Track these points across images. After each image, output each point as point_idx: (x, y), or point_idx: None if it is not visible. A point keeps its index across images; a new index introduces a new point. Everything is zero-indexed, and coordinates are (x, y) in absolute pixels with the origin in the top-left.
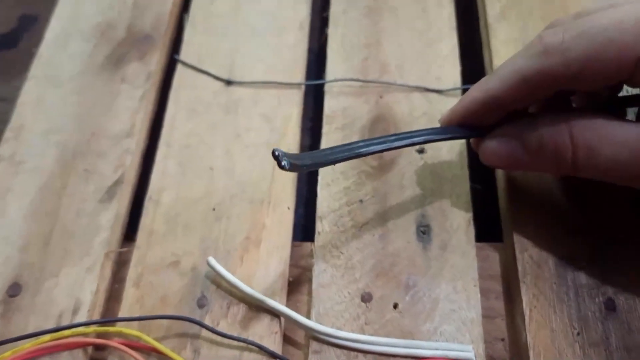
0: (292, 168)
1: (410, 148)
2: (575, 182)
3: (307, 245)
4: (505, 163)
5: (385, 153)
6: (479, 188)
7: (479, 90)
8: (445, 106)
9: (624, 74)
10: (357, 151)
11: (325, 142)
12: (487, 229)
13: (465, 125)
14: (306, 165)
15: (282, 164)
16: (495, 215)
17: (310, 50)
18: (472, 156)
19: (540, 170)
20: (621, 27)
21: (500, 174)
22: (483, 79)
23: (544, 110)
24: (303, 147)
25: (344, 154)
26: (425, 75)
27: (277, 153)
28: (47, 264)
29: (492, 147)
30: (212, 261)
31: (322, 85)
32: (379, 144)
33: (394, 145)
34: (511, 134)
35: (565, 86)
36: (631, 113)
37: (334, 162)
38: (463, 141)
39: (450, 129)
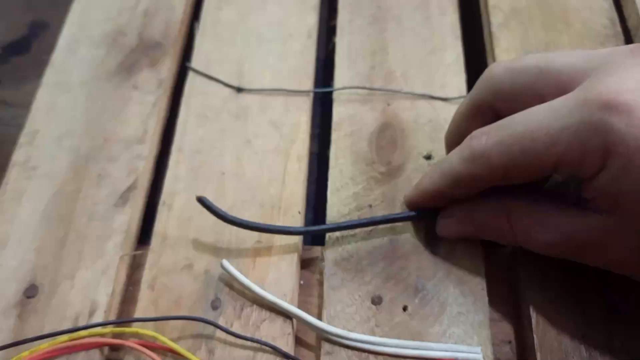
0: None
1: (417, 154)
2: None
3: (317, 249)
4: (458, 236)
5: (394, 158)
6: None
7: (427, 183)
8: (450, 114)
9: (544, 175)
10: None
11: (335, 149)
12: None
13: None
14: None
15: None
16: None
17: (317, 58)
18: None
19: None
20: (533, 137)
21: None
22: (433, 166)
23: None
24: (313, 153)
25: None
26: (430, 83)
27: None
28: (62, 267)
29: (445, 224)
30: (226, 263)
31: (330, 93)
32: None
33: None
34: (458, 216)
35: (494, 184)
36: None
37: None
38: None
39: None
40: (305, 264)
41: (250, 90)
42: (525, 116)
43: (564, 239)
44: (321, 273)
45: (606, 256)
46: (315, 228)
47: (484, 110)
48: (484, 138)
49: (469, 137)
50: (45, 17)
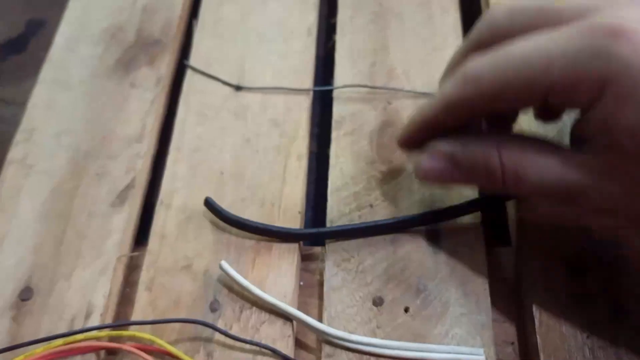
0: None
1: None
2: None
3: (317, 249)
4: (439, 179)
5: (395, 157)
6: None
7: (418, 113)
8: None
9: (536, 101)
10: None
11: (335, 147)
12: (495, 231)
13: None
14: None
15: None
16: (503, 217)
17: (318, 56)
18: None
19: (471, 185)
20: (529, 61)
21: None
22: (424, 102)
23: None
24: (311, 153)
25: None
26: (431, 81)
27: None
28: (60, 266)
29: (427, 163)
30: (225, 265)
31: (330, 91)
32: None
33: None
34: (443, 152)
35: (484, 110)
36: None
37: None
38: None
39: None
40: (306, 264)
41: (250, 89)
42: (524, 41)
43: (556, 180)
44: (321, 274)
45: (599, 204)
46: (329, 229)
47: (482, 50)
48: (479, 61)
49: (464, 63)
50: (43, 15)
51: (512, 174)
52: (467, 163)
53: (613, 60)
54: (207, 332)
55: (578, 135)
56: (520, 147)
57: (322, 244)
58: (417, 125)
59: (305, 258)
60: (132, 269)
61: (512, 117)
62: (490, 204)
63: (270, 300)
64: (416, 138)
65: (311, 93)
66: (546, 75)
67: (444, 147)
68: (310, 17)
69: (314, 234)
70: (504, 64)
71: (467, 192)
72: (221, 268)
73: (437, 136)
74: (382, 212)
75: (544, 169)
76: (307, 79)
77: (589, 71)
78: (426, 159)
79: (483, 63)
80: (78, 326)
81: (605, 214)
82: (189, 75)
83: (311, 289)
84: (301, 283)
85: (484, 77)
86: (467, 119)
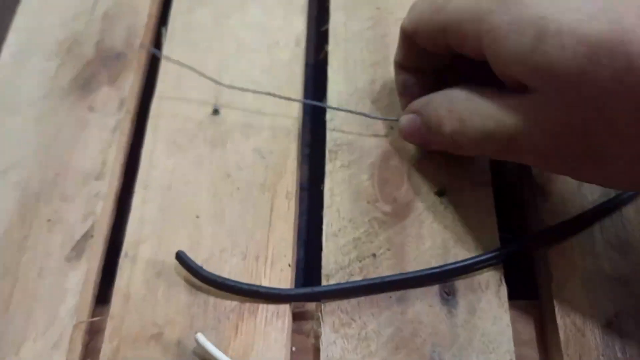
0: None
1: (428, 190)
2: (620, 231)
3: (311, 306)
4: (415, 139)
5: (400, 195)
6: (509, 237)
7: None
8: None
9: (439, 40)
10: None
11: (330, 183)
12: (516, 280)
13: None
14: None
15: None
16: (524, 265)
17: (307, 67)
18: (500, 199)
19: (438, 147)
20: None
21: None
22: None
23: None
24: (303, 189)
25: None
26: None
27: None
28: (5, 337)
29: (402, 123)
30: (201, 338)
31: (323, 111)
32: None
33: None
34: (413, 109)
35: (416, 42)
36: None
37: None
38: (489, 182)
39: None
40: (298, 324)
41: (229, 111)
42: None
43: (496, 128)
44: (316, 337)
45: (532, 145)
46: (325, 289)
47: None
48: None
49: None
50: None
51: (457, 123)
52: (426, 116)
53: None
54: None
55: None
56: (467, 96)
57: (318, 301)
58: (395, 78)
59: (297, 316)
60: (94, 333)
61: None
62: (513, 256)
63: None
64: (406, 98)
65: (300, 119)
66: (444, 10)
67: (414, 103)
68: (297, 24)
69: (308, 294)
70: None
71: (485, 239)
72: (197, 341)
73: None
74: (386, 264)
75: (486, 114)
76: (295, 96)
77: (468, 7)
78: (403, 117)
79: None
80: None
81: (548, 159)
82: (158, 95)
83: (305, 356)
84: (293, 348)
85: (415, 6)
86: (419, 57)
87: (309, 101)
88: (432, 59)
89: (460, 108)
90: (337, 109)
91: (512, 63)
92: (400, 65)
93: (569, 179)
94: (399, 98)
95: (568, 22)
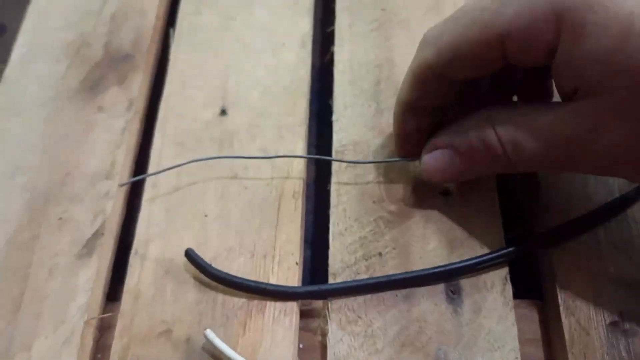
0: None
1: (433, 190)
2: (625, 231)
3: (318, 304)
4: (446, 175)
5: (405, 194)
6: (514, 237)
7: (396, 102)
8: None
9: (494, 53)
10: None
11: (336, 184)
12: (521, 280)
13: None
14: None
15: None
16: (530, 265)
17: (313, 69)
18: (505, 200)
19: (481, 173)
20: (482, 6)
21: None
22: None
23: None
24: (309, 186)
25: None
26: None
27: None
28: (18, 334)
29: (429, 162)
30: (210, 334)
31: (329, 112)
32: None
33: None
34: (442, 144)
35: (446, 74)
36: None
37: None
38: (493, 183)
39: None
40: (305, 322)
41: (236, 112)
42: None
43: (554, 138)
44: (323, 334)
45: (600, 151)
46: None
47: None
48: (440, 23)
49: None
50: (4, 19)
51: (512, 145)
52: (465, 147)
53: None
54: None
55: (561, 89)
56: (511, 115)
57: (325, 298)
58: (399, 117)
59: (304, 314)
60: (104, 330)
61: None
62: (518, 254)
63: None
64: (410, 139)
65: (307, 115)
66: (500, 18)
67: (440, 138)
68: (303, 25)
69: (315, 292)
70: (459, 15)
71: (490, 239)
72: (206, 337)
73: (419, 122)
74: (392, 263)
75: (541, 133)
76: (301, 99)
77: (543, 5)
78: (426, 156)
79: (439, 23)
80: None
81: (610, 165)
82: (166, 96)
83: (312, 353)
84: (300, 346)
85: (440, 34)
86: (439, 93)
87: (314, 156)
88: (454, 92)
89: (509, 130)
90: (341, 161)
91: (593, 61)
92: (411, 107)
93: (573, 180)
94: (401, 141)
95: None
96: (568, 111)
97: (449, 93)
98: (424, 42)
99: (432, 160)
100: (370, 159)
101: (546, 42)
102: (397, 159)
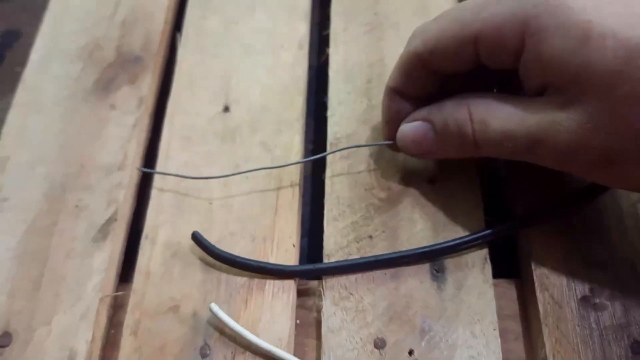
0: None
1: (420, 178)
2: (596, 216)
3: (314, 283)
4: (421, 148)
5: (394, 182)
6: (494, 220)
7: (384, 89)
8: None
9: (469, 50)
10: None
11: (330, 173)
12: (502, 263)
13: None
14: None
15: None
16: (509, 248)
17: (310, 69)
18: (486, 186)
19: (451, 154)
20: (463, 8)
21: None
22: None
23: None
24: (306, 178)
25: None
26: None
27: None
28: (38, 311)
29: (405, 132)
30: (215, 308)
31: (324, 109)
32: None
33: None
34: (421, 117)
35: (429, 65)
36: None
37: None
38: (475, 171)
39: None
40: (302, 300)
41: (238, 108)
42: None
43: (519, 125)
44: (319, 311)
45: (559, 147)
46: (326, 265)
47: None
48: (427, 22)
49: None
50: (18, 25)
51: (480, 123)
52: (441, 122)
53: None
54: None
55: (528, 90)
56: (486, 100)
57: (320, 278)
58: (386, 104)
59: (301, 293)
60: (117, 308)
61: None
62: (498, 237)
63: (265, 346)
64: (394, 124)
65: (304, 111)
66: (476, 19)
67: (420, 112)
68: (301, 29)
69: (310, 270)
70: (443, 15)
71: (472, 222)
72: (211, 311)
73: (407, 107)
74: (381, 244)
75: (506, 115)
76: (298, 95)
77: (510, 11)
78: (405, 125)
79: (430, 21)
80: None
81: (567, 158)
82: (173, 94)
83: (308, 328)
84: (297, 321)
85: (427, 29)
86: (423, 82)
87: (309, 159)
88: (435, 83)
89: (480, 109)
90: (335, 151)
91: (555, 62)
92: (396, 92)
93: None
94: (386, 125)
95: (611, 26)
96: (535, 102)
97: (432, 83)
98: (412, 35)
99: (410, 130)
100: (361, 151)
101: (512, 45)
102: (381, 142)
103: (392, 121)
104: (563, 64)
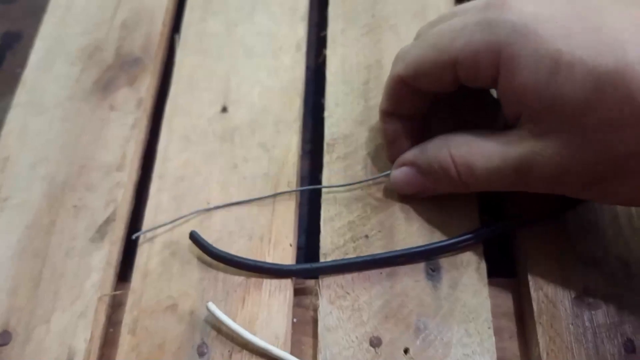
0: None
1: None
2: (590, 215)
3: (311, 282)
4: (413, 189)
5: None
6: (489, 219)
7: (379, 114)
8: None
9: (448, 73)
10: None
11: (327, 173)
12: (496, 262)
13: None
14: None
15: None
16: (505, 247)
17: (307, 70)
18: None
19: (442, 191)
20: (441, 33)
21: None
22: None
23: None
24: (303, 179)
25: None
26: None
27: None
28: (37, 309)
29: (396, 176)
30: (212, 307)
31: (322, 110)
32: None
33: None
34: (407, 161)
35: (413, 86)
36: None
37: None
38: None
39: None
40: (299, 299)
41: (236, 109)
42: (444, 22)
43: (501, 161)
44: (315, 309)
45: (542, 172)
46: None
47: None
48: (413, 42)
49: None
50: (19, 27)
51: (464, 166)
52: (425, 166)
53: (502, 26)
54: None
55: (507, 114)
56: (466, 140)
57: (316, 277)
58: (382, 126)
59: (298, 292)
60: (115, 307)
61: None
62: (492, 235)
63: (262, 344)
64: (393, 144)
65: (301, 113)
66: (452, 46)
67: (406, 156)
68: (299, 30)
69: (307, 269)
70: (423, 38)
71: (467, 222)
72: (208, 309)
73: (400, 129)
74: (378, 244)
75: (488, 154)
76: (296, 96)
77: (484, 39)
78: (395, 171)
79: (410, 44)
80: None
81: (554, 182)
82: (172, 95)
83: (305, 327)
84: (294, 320)
85: (409, 52)
86: (411, 103)
87: (305, 187)
88: (424, 102)
89: (462, 151)
90: (330, 187)
91: (528, 92)
92: (389, 114)
93: None
94: (387, 147)
95: (579, 55)
96: (513, 136)
97: (421, 102)
98: (396, 58)
99: (399, 174)
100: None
101: (489, 73)
102: (379, 175)
103: (392, 142)
104: (535, 96)
